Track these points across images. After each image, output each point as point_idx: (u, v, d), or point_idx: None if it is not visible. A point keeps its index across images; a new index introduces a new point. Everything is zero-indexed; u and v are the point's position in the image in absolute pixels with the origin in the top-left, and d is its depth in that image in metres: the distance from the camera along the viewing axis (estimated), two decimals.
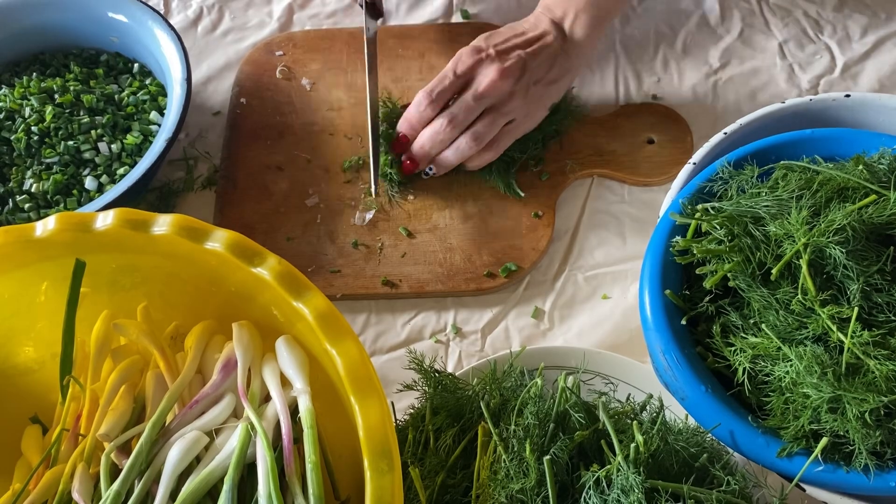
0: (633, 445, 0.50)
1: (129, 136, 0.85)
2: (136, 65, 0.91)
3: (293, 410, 0.54)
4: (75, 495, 0.52)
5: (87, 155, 0.84)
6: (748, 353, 0.55)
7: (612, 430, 0.52)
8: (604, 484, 0.50)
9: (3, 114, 0.85)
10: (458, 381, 0.62)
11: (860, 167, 0.58)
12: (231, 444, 0.52)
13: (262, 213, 0.84)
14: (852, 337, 0.51)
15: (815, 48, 0.91)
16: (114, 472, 0.52)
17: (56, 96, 0.86)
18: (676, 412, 0.58)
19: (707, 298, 0.59)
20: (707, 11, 0.95)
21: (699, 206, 0.60)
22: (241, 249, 0.52)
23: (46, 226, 0.55)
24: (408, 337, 0.77)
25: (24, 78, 0.89)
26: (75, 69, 0.90)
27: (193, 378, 0.58)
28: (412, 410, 0.62)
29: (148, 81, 0.90)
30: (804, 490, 0.54)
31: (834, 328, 0.52)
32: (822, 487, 0.54)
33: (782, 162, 0.62)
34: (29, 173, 0.83)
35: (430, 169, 0.81)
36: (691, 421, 0.57)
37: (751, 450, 0.54)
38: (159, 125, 0.86)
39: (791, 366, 0.53)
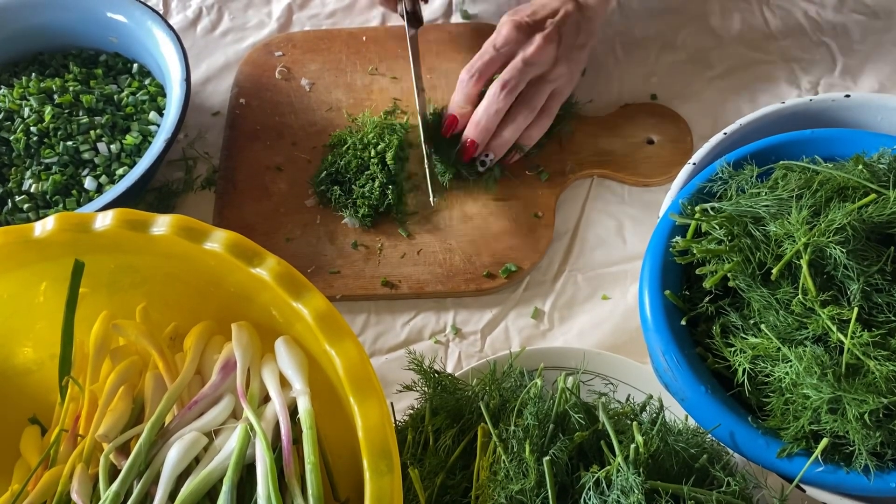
0: (632, 446, 0.50)
1: (128, 136, 0.85)
2: (135, 65, 0.91)
3: (292, 411, 0.54)
4: (74, 496, 0.52)
5: (86, 155, 0.84)
6: (748, 353, 0.55)
7: (611, 430, 0.52)
8: (604, 485, 0.49)
9: (3, 114, 0.85)
10: (457, 382, 0.62)
11: (860, 167, 0.57)
12: (230, 444, 0.52)
13: (261, 214, 0.84)
14: (852, 337, 0.51)
15: (815, 48, 0.91)
16: (113, 472, 0.52)
17: (55, 96, 0.86)
18: (676, 413, 0.58)
19: (707, 299, 0.59)
20: (707, 11, 0.95)
21: (699, 207, 0.60)
22: (241, 250, 0.52)
23: (46, 226, 0.55)
24: (407, 337, 0.77)
25: (24, 78, 0.89)
26: (74, 69, 0.90)
27: (192, 379, 0.58)
28: (412, 411, 0.62)
29: (147, 82, 0.90)
30: (804, 491, 0.54)
31: (834, 328, 0.52)
32: (822, 488, 0.54)
33: (782, 162, 0.61)
34: (28, 174, 0.83)
35: (488, 156, 0.80)
36: (691, 422, 0.57)
37: (751, 450, 0.54)
38: (158, 125, 0.86)
39: (791, 366, 0.52)
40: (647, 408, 0.59)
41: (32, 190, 0.82)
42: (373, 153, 0.83)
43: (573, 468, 0.52)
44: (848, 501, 0.54)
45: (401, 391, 0.63)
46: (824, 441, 0.52)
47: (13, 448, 0.60)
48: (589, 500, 0.49)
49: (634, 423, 0.53)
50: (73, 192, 0.82)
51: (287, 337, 0.57)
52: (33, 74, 0.89)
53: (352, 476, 0.53)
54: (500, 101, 0.77)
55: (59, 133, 0.83)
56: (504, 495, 0.51)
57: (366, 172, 0.82)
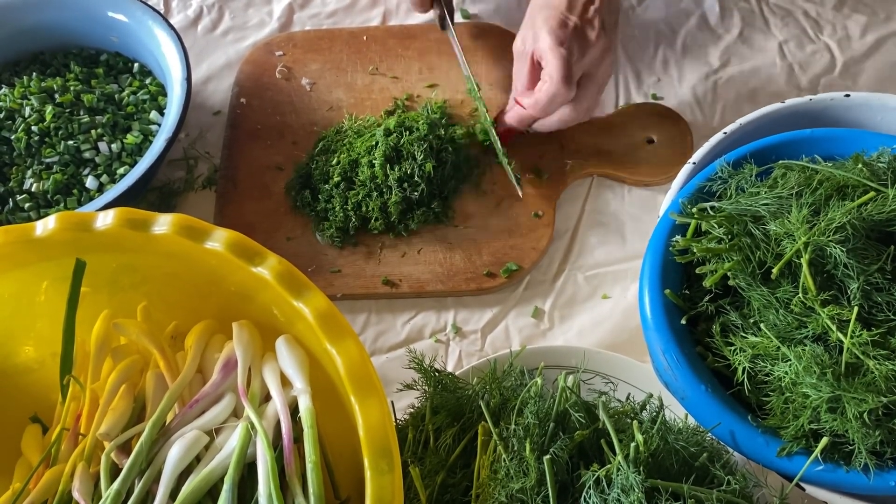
0: (633, 445, 0.50)
1: (129, 135, 0.85)
2: (136, 64, 0.92)
3: (293, 410, 0.54)
4: (75, 494, 0.52)
5: (87, 154, 0.84)
6: (748, 352, 0.55)
7: (611, 429, 0.52)
8: (604, 483, 0.50)
9: (4, 113, 0.85)
10: (458, 381, 0.62)
11: (859, 165, 0.58)
12: (231, 443, 0.52)
13: (262, 213, 0.84)
14: (852, 337, 0.51)
15: (814, 48, 0.91)
16: (114, 471, 0.52)
17: (56, 96, 0.86)
18: (676, 412, 0.58)
19: (707, 298, 0.59)
20: (707, 11, 0.95)
21: (698, 206, 0.60)
22: (241, 249, 0.53)
23: (47, 225, 0.55)
24: (408, 336, 0.77)
25: (24, 77, 0.89)
26: (75, 69, 0.90)
27: (193, 377, 0.58)
28: (412, 410, 0.62)
29: (148, 81, 0.90)
30: (804, 489, 0.54)
31: (833, 328, 0.52)
32: (821, 487, 0.54)
33: (781, 161, 0.62)
34: (29, 173, 0.83)
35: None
36: (691, 420, 0.57)
37: (751, 449, 0.54)
38: (159, 125, 0.86)
39: (790, 366, 0.53)
40: (647, 406, 0.59)
41: (33, 189, 0.82)
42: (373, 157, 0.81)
43: (573, 467, 0.53)
44: (848, 500, 0.54)
45: (401, 390, 0.63)
46: (824, 440, 0.52)
47: (14, 447, 0.60)
48: (589, 498, 0.49)
49: (634, 421, 0.53)
50: (74, 191, 0.82)
51: (288, 336, 0.57)
52: (34, 74, 0.89)
53: (353, 475, 0.53)
54: (566, 93, 0.75)
55: (59, 132, 0.83)
56: (504, 494, 0.51)
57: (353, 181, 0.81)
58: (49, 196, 0.82)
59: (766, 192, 0.58)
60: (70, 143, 0.83)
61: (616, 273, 0.79)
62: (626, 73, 0.91)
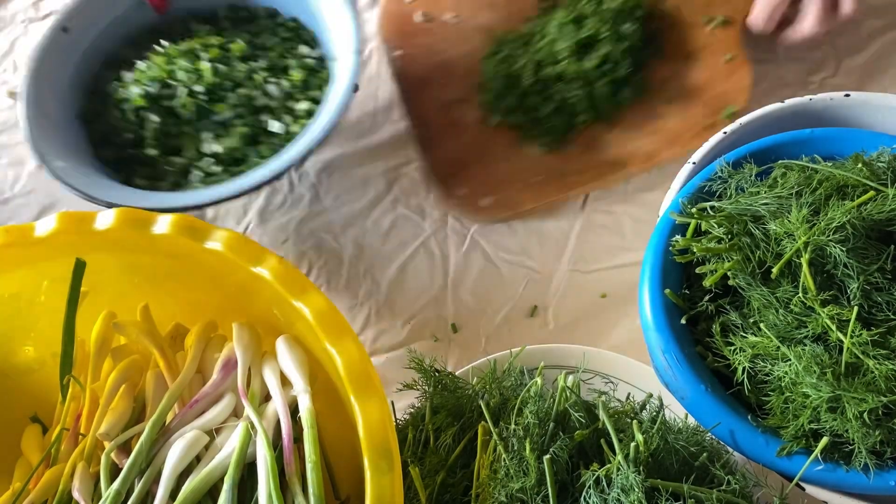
0: (632, 444, 0.50)
1: (292, 73, 0.81)
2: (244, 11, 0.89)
3: (293, 410, 0.54)
4: (75, 494, 0.52)
5: (259, 102, 0.79)
6: (748, 352, 0.55)
7: (611, 429, 0.52)
8: (604, 483, 0.50)
9: (157, 85, 0.79)
10: (457, 381, 0.62)
11: (859, 165, 0.58)
12: (231, 443, 0.52)
13: (467, 146, 0.84)
14: (852, 336, 0.51)
15: (815, 48, 0.91)
16: (114, 471, 0.52)
17: (200, 54, 0.81)
18: (676, 411, 0.58)
19: (707, 297, 0.59)
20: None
21: (698, 205, 0.60)
22: (242, 249, 0.53)
23: (47, 225, 0.55)
24: (408, 336, 0.77)
25: (156, 46, 0.84)
26: (198, 28, 0.87)
27: (193, 377, 0.58)
28: (412, 410, 0.62)
29: (279, 20, 0.88)
30: (804, 489, 0.54)
31: (833, 327, 0.52)
32: (821, 487, 0.54)
33: (781, 161, 0.62)
34: (205, 135, 0.78)
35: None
36: (691, 420, 0.57)
37: (751, 449, 0.54)
38: (314, 58, 0.84)
39: (790, 365, 0.53)
40: (647, 406, 0.59)
41: (218, 150, 0.77)
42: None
43: (573, 466, 0.53)
44: (847, 500, 0.54)
45: (401, 390, 0.63)
46: (824, 440, 0.52)
47: (14, 447, 0.60)
48: (589, 498, 0.49)
49: (634, 421, 0.53)
50: (262, 139, 0.78)
51: (288, 336, 0.57)
52: (161, 42, 0.84)
53: (352, 474, 0.53)
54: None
55: (226, 85, 0.78)
56: (504, 494, 0.51)
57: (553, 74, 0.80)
58: (237, 151, 0.77)
59: (765, 192, 0.58)
60: (242, 90, 0.78)
61: (616, 273, 0.79)
62: None
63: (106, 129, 0.81)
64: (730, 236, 0.57)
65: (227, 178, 0.76)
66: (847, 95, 0.69)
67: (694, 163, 0.67)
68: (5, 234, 0.56)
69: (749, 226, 0.57)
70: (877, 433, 0.51)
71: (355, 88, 0.74)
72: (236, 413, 0.56)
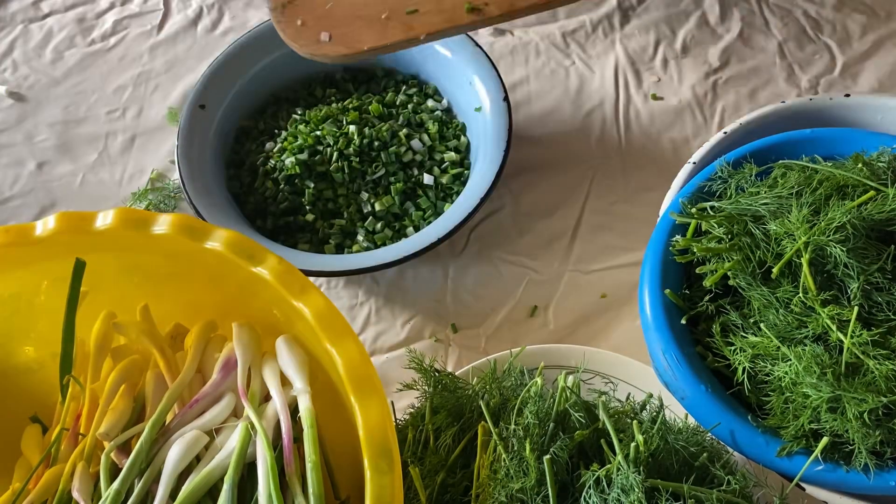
0: (633, 445, 0.50)
1: (428, 125, 0.83)
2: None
3: (293, 410, 0.54)
4: (75, 494, 0.52)
5: (406, 158, 0.81)
6: (748, 352, 0.55)
7: (612, 429, 0.52)
8: (604, 483, 0.50)
9: (308, 152, 0.80)
10: (457, 381, 0.62)
11: (859, 165, 0.58)
12: (231, 443, 0.52)
13: None
14: (852, 337, 0.51)
15: (814, 48, 0.91)
16: (114, 471, 0.52)
17: (340, 118, 0.83)
18: (676, 411, 0.58)
19: (707, 297, 0.59)
20: (707, 11, 0.95)
21: (698, 205, 0.60)
22: (241, 249, 0.53)
23: (47, 225, 0.55)
24: (408, 336, 0.77)
25: (295, 115, 0.86)
26: (328, 91, 0.88)
27: (193, 377, 0.58)
28: (412, 410, 0.62)
29: (399, 79, 0.89)
30: (804, 489, 0.54)
31: (834, 328, 0.52)
32: (821, 487, 0.54)
33: (781, 161, 0.62)
34: (362, 196, 0.80)
35: None
36: (691, 420, 0.57)
37: (751, 449, 0.54)
38: (441, 110, 0.85)
39: (790, 365, 0.53)
40: (647, 406, 0.59)
41: (377, 208, 0.79)
42: None
43: (573, 467, 0.53)
44: (848, 500, 0.54)
45: (401, 390, 0.63)
46: (824, 440, 0.52)
47: (14, 447, 0.60)
48: (589, 498, 0.49)
49: (634, 421, 0.53)
50: (419, 192, 0.80)
51: (288, 336, 0.57)
52: (298, 109, 0.87)
53: (352, 474, 0.53)
54: None
55: (374, 145, 0.80)
56: (504, 494, 0.51)
57: None
58: (395, 207, 0.79)
59: (765, 192, 0.58)
60: (392, 149, 0.80)
61: (616, 273, 0.79)
62: (627, 72, 0.91)
63: (258, 199, 0.82)
64: (730, 236, 0.57)
65: (391, 233, 0.78)
66: (847, 95, 0.69)
67: (694, 163, 0.67)
68: (5, 234, 0.56)
69: (749, 226, 0.57)
70: (877, 433, 0.51)
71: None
72: (236, 413, 0.56)
